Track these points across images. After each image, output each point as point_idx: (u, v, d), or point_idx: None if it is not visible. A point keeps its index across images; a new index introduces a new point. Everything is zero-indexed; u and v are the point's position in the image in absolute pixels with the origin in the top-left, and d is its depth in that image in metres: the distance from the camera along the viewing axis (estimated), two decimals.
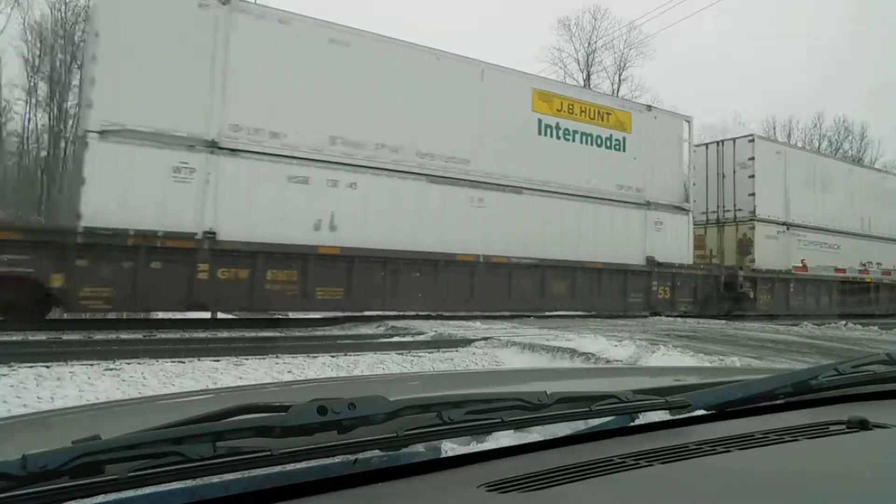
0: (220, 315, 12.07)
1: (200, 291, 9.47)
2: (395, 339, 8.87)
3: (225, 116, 9.67)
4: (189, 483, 0.63)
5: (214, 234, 9.47)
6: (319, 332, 10.11)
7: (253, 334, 9.31)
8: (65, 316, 10.30)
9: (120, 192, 8.89)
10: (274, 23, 10.30)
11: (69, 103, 27.63)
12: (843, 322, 13.49)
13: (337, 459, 0.70)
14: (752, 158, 16.64)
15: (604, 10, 45.00)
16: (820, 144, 42.64)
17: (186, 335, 8.92)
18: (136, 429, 0.66)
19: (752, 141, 17.21)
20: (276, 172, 10.05)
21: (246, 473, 0.66)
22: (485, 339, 8.14)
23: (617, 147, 13.90)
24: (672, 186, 14.77)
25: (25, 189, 27.03)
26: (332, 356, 6.69)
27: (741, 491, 0.68)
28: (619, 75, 37.71)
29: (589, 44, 37.45)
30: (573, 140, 13.26)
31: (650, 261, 14.20)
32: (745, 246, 16.67)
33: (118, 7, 9.06)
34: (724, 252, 16.94)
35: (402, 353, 7.12)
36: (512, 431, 0.83)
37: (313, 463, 0.69)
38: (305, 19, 10.65)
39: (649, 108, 15.35)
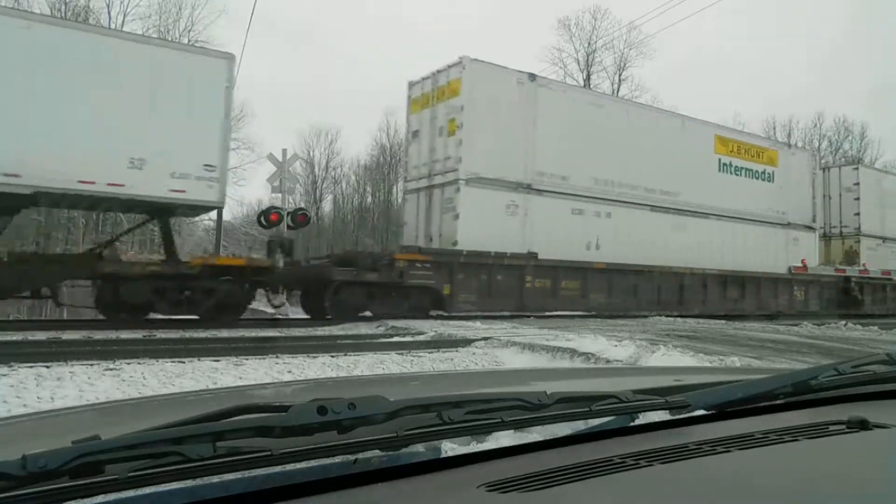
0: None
1: (525, 297, 13.05)
2: (395, 339, 8.88)
3: (534, 165, 13.26)
4: (189, 483, 0.63)
5: (536, 253, 13.07)
6: (319, 332, 10.13)
7: (253, 334, 9.31)
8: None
9: (477, 223, 12.47)
10: (559, 92, 14.15)
11: None
12: (843, 322, 13.59)
13: (337, 459, 0.70)
14: (857, 184, 20.04)
15: (604, 10, 44.83)
16: (820, 144, 42.61)
17: (186, 335, 8.93)
18: (136, 429, 0.66)
19: (857, 169, 20.90)
20: (565, 207, 13.72)
21: (246, 473, 0.66)
22: (485, 339, 8.15)
23: (769, 179, 17.72)
24: (803, 209, 18.51)
25: None
26: (332, 356, 6.69)
27: (741, 491, 0.68)
28: (619, 75, 37.74)
29: (589, 44, 37.46)
30: (740, 175, 17.04)
31: (791, 270, 17.87)
32: (851, 257, 19.97)
33: (473, 88, 12.64)
34: (831, 262, 20.09)
35: (402, 353, 7.13)
36: (512, 431, 0.82)
37: (313, 463, 0.69)
38: (576, 88, 15.27)
39: (788, 145, 19.80)
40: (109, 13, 28.42)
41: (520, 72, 13.27)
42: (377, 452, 0.72)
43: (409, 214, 14.03)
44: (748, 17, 63.78)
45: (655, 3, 42.88)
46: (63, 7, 26.91)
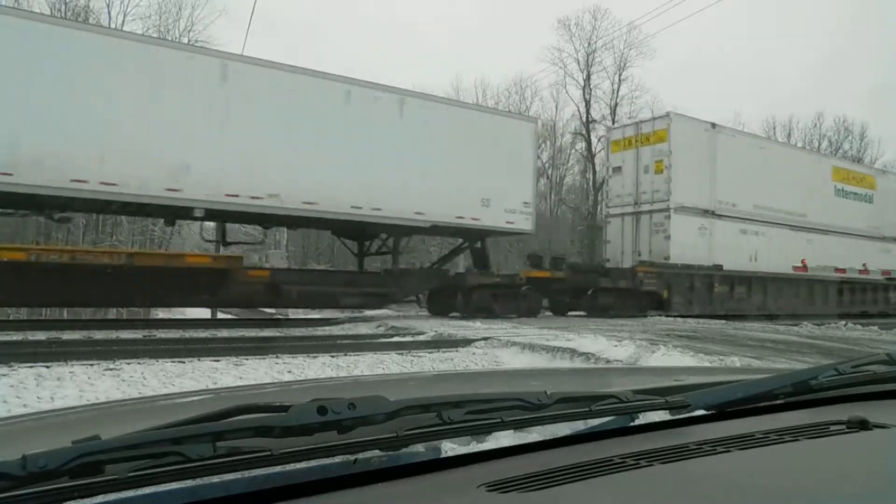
0: (220, 315, 12.54)
1: (713, 299, 16.54)
2: (395, 339, 8.88)
3: (714, 195, 16.75)
4: (189, 483, 0.63)
5: (721, 265, 16.77)
6: (319, 332, 10.13)
7: (253, 334, 9.31)
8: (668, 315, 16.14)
9: (681, 242, 16.00)
10: (729, 136, 17.81)
11: None
12: (843, 322, 13.61)
13: (337, 459, 0.70)
14: None
15: (604, 10, 44.48)
16: (820, 144, 42.49)
17: (186, 335, 8.92)
18: (136, 429, 0.66)
19: None
20: (735, 228, 17.26)
21: (246, 473, 0.66)
22: (485, 339, 8.14)
23: (869, 200, 21.65)
24: (894, 224, 22.24)
25: None
26: (332, 356, 6.69)
27: (741, 491, 0.68)
28: (619, 75, 37.61)
29: (589, 44, 37.33)
30: (849, 198, 20.82)
31: (887, 276, 21.73)
32: None
33: (677, 136, 16.07)
34: None
35: (402, 353, 7.12)
36: (512, 431, 0.82)
37: (313, 463, 0.69)
38: (741, 132, 19.00)
39: (883, 171, 24.46)
40: (109, 13, 28.38)
41: (705, 121, 17.12)
42: (377, 452, 0.72)
43: (613, 234, 17.54)
44: (748, 17, 63.68)
45: (655, 3, 42.74)
46: (63, 7, 26.89)
